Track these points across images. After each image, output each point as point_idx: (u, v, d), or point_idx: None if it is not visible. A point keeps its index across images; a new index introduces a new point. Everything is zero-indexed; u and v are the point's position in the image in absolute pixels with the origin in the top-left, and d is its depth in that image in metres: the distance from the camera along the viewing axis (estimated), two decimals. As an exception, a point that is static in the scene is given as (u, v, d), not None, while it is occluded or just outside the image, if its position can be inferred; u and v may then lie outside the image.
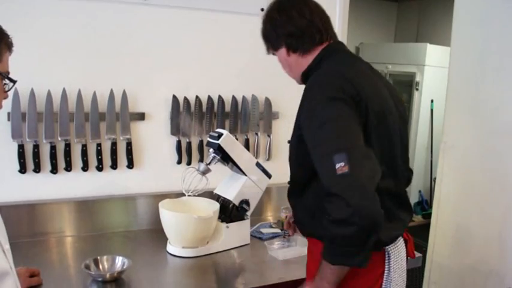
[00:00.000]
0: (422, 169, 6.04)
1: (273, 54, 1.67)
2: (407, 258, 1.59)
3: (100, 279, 1.72)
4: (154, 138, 2.29)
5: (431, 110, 5.84)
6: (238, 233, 2.09)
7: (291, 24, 1.54)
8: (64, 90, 2.04)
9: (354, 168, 1.26)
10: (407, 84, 6.00)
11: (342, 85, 1.37)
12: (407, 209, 1.59)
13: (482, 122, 2.98)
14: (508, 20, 2.83)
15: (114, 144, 2.17)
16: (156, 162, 2.31)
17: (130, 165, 2.22)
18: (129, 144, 2.20)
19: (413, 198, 6.11)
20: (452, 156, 3.22)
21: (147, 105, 2.24)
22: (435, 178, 5.49)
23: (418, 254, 2.12)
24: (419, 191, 6.08)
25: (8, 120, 1.97)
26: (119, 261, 1.80)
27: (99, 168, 2.16)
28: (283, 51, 1.59)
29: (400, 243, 1.53)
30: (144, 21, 2.19)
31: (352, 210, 1.24)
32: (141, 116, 2.23)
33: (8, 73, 1.13)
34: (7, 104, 1.93)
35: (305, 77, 1.58)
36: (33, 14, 1.99)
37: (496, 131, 2.90)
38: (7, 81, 1.13)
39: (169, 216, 1.93)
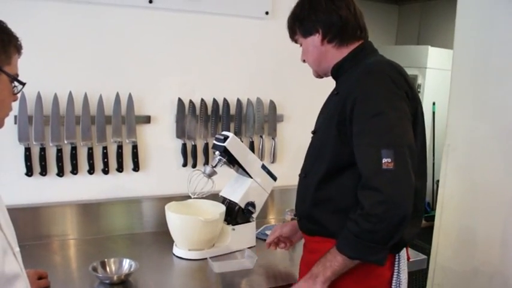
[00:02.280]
0: (425, 171, 6.04)
1: (296, 41, 1.62)
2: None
3: (107, 281, 1.72)
4: (160, 141, 2.29)
5: (433, 113, 5.85)
6: (244, 235, 2.09)
7: (337, 13, 1.50)
8: (70, 94, 2.05)
9: (399, 166, 1.28)
10: (409, 87, 6.00)
11: (399, 80, 1.39)
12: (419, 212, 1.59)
13: (486, 124, 2.99)
14: (510, 22, 2.84)
15: (120, 147, 2.18)
16: (162, 165, 2.31)
17: (136, 168, 2.23)
18: (134, 147, 2.21)
19: (415, 201, 6.10)
20: (456, 158, 3.22)
21: (153, 109, 2.25)
22: (437, 181, 5.49)
23: (422, 256, 2.13)
24: (422, 194, 6.07)
25: (15, 123, 1.98)
26: (126, 264, 1.80)
27: (105, 171, 2.17)
28: (316, 38, 1.53)
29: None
30: (149, 25, 2.20)
31: (388, 206, 1.27)
32: (147, 119, 2.24)
33: (17, 75, 1.14)
34: (14, 107, 1.93)
35: (336, 70, 1.56)
36: (39, 18, 2.00)
37: (499, 133, 2.90)
38: (16, 83, 1.14)
39: (175, 219, 1.94)
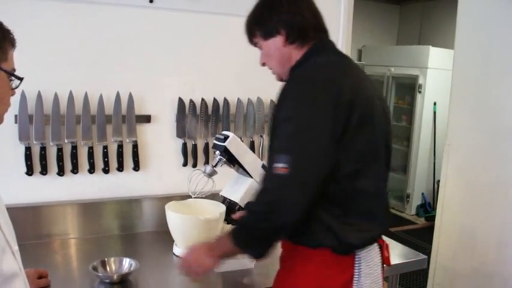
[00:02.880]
0: (426, 171, 6.06)
1: (255, 45, 1.58)
2: (383, 265, 1.54)
3: (107, 280, 1.72)
4: (160, 141, 2.29)
5: (434, 113, 5.86)
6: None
7: (300, 14, 1.48)
8: (71, 93, 2.05)
9: (294, 172, 1.29)
10: (410, 87, 6.02)
11: (325, 84, 1.36)
12: (387, 213, 1.55)
13: (486, 124, 3.00)
14: (511, 22, 2.84)
15: (120, 147, 2.18)
16: (162, 164, 2.32)
17: (136, 167, 2.23)
18: (135, 147, 2.21)
19: (416, 201, 6.13)
20: (456, 158, 3.23)
21: (153, 108, 2.25)
22: (438, 181, 5.49)
23: (422, 256, 2.12)
24: (422, 194, 6.09)
25: (16, 122, 1.98)
26: (126, 263, 1.81)
27: (106, 170, 2.17)
28: (278, 40, 1.49)
29: (374, 248, 1.48)
30: (149, 24, 2.20)
31: (271, 209, 1.32)
32: (147, 119, 2.24)
33: (14, 70, 1.14)
34: (14, 106, 1.95)
35: (292, 72, 1.53)
36: (40, 17, 2.00)
37: (500, 133, 2.91)
38: (14, 78, 1.13)
39: (175, 218, 1.94)
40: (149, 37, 2.21)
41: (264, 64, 1.60)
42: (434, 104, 5.84)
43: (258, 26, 1.53)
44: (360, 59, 6.68)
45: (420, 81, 5.83)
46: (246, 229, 1.42)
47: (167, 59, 2.24)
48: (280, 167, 1.29)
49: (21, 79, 1.14)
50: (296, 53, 1.51)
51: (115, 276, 1.73)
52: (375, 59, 6.52)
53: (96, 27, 2.10)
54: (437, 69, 5.74)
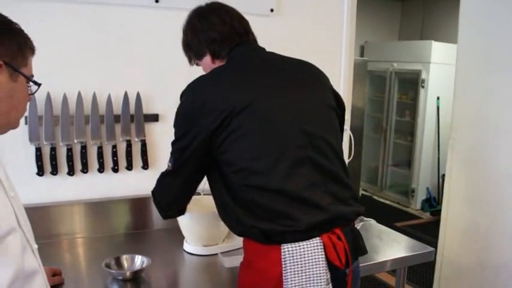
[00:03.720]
0: (430, 166, 6.07)
1: (197, 64, 1.72)
2: (333, 265, 1.44)
3: (120, 277, 1.75)
4: (168, 139, 2.28)
5: (438, 107, 5.87)
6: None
7: (214, 30, 1.59)
8: (79, 94, 2.07)
9: (170, 169, 1.60)
10: (413, 82, 6.03)
11: (197, 98, 1.49)
12: (309, 209, 1.44)
13: (490, 118, 3.01)
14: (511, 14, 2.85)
15: (129, 146, 2.20)
16: (171, 162, 2.33)
17: (145, 166, 2.25)
18: (143, 146, 2.24)
19: (421, 195, 6.14)
20: (461, 152, 3.24)
21: (161, 107, 2.27)
22: (443, 175, 5.52)
23: (430, 248, 2.14)
24: (427, 188, 6.11)
25: (26, 123, 2.01)
26: (139, 260, 1.83)
27: (115, 169, 2.20)
28: (207, 59, 1.63)
29: (310, 244, 1.41)
30: (156, 24, 2.22)
31: (153, 193, 1.72)
32: (155, 118, 2.26)
33: (33, 76, 1.17)
34: (24, 107, 1.97)
35: None
36: (47, 19, 2.02)
37: (504, 126, 2.92)
38: (31, 84, 1.16)
39: (185, 216, 1.96)
40: (156, 36, 2.22)
41: None
42: (438, 98, 5.85)
43: (189, 51, 1.69)
44: (362, 55, 6.69)
45: (423, 76, 5.84)
46: None
47: (174, 57, 2.24)
48: (169, 165, 1.60)
49: (39, 85, 1.17)
50: (222, 64, 1.62)
51: (128, 273, 1.75)
52: (378, 54, 6.53)
53: (103, 28, 2.12)
54: (440, 63, 5.75)
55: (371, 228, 2.39)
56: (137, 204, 2.26)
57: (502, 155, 2.94)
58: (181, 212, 1.79)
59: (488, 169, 3.03)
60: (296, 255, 1.40)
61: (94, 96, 2.10)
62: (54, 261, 1.87)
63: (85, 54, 2.10)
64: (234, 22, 1.61)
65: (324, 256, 1.42)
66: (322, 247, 1.42)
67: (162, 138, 2.30)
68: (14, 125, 1.15)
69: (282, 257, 1.40)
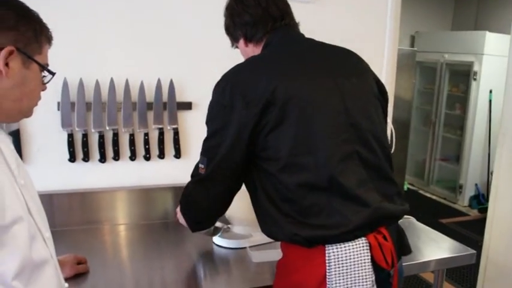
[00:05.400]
0: (480, 161, 5.85)
1: (236, 47, 1.65)
2: (378, 266, 1.36)
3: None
4: (202, 128, 2.24)
5: (490, 101, 5.63)
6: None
7: (247, 13, 1.52)
8: (112, 80, 2.05)
9: (206, 172, 1.43)
10: (465, 74, 5.80)
11: (226, 89, 1.38)
12: (359, 207, 1.35)
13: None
14: None
15: (161, 134, 2.18)
16: (203, 152, 2.30)
17: (177, 154, 2.22)
18: (176, 134, 2.20)
19: (469, 192, 5.93)
20: (510, 148, 3.07)
21: (194, 95, 2.23)
22: (492, 171, 5.31)
23: (471, 251, 2.02)
24: (476, 185, 5.89)
25: (58, 109, 2.00)
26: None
27: (147, 157, 2.17)
28: (241, 42, 1.58)
29: (354, 245, 1.33)
30: (190, 8, 2.17)
31: (186, 204, 1.57)
32: (188, 106, 2.22)
33: (47, 65, 1.14)
34: (57, 94, 1.97)
35: None
36: (79, 6, 2.00)
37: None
38: (46, 73, 1.13)
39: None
40: (190, 22, 2.18)
41: None
42: (490, 91, 5.60)
43: (228, 34, 1.64)
44: (412, 45, 6.48)
45: (475, 68, 5.60)
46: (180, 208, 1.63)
47: (208, 45, 2.21)
48: (201, 167, 1.45)
49: (53, 74, 1.14)
50: (256, 50, 1.56)
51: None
52: (429, 45, 6.30)
53: (136, 13, 2.09)
54: (493, 55, 5.50)
55: (410, 227, 2.29)
56: (171, 193, 2.23)
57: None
58: (214, 223, 1.68)
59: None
60: (341, 257, 1.32)
61: (127, 83, 2.08)
62: (84, 248, 1.88)
63: (118, 40, 2.08)
64: (270, 5, 1.52)
65: (369, 257, 1.34)
66: (368, 248, 1.34)
67: (195, 127, 2.26)
68: (27, 114, 1.13)
69: (327, 258, 1.32)
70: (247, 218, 1.94)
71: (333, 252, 1.32)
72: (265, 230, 1.46)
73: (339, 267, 1.32)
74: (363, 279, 1.33)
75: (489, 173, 5.69)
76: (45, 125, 2.01)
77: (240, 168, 1.41)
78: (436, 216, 5.48)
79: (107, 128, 2.08)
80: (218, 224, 1.98)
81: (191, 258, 1.86)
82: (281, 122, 1.32)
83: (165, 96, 2.16)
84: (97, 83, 2.03)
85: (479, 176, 5.89)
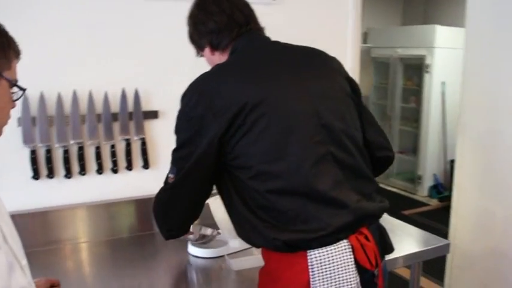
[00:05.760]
0: (436, 152, 5.99)
1: (202, 56, 1.62)
2: (362, 267, 1.35)
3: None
4: (169, 136, 2.18)
5: (443, 92, 5.76)
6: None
7: (211, 20, 1.49)
8: (75, 93, 1.97)
9: (174, 181, 1.42)
10: (418, 67, 5.93)
11: (202, 96, 1.35)
12: (336, 209, 1.33)
13: (502, 102, 2.91)
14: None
15: (128, 145, 2.11)
16: (172, 161, 2.24)
17: (146, 165, 2.16)
18: (143, 144, 2.14)
19: (428, 182, 6.07)
20: (471, 138, 3.15)
21: (161, 103, 2.17)
22: (451, 160, 5.45)
23: (445, 241, 2.05)
24: (434, 175, 6.03)
25: (19, 125, 1.91)
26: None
27: (114, 170, 2.10)
28: (207, 51, 1.55)
29: (337, 248, 1.31)
30: (154, 17, 2.12)
31: (155, 212, 1.55)
32: (155, 114, 2.16)
33: (17, 81, 1.07)
34: (17, 109, 1.86)
35: None
36: (38, 16, 1.92)
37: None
38: (16, 89, 1.06)
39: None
40: (153, 30, 2.12)
41: None
42: (443, 83, 5.74)
43: (192, 43, 1.61)
44: (365, 42, 6.57)
45: (428, 61, 5.73)
46: None
47: (173, 52, 2.16)
48: (171, 177, 1.43)
49: (24, 90, 1.07)
50: (223, 58, 1.52)
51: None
52: (381, 41, 6.41)
53: (97, 23, 2.02)
54: (444, 48, 5.64)
55: (382, 222, 2.30)
56: (139, 206, 2.17)
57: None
58: (186, 230, 1.63)
59: (501, 154, 2.93)
60: (324, 261, 1.30)
61: (90, 95, 2.00)
62: (54, 269, 1.80)
63: (79, 51, 2.00)
64: (235, 11, 1.49)
65: (352, 259, 1.33)
66: (350, 250, 1.33)
67: (162, 136, 2.20)
68: None
69: (309, 264, 1.30)
70: (222, 225, 1.92)
71: (315, 256, 1.30)
72: (243, 235, 1.43)
73: (322, 272, 1.30)
74: (347, 282, 1.32)
75: (446, 163, 5.84)
76: (5, 143, 1.90)
77: (209, 177, 1.41)
78: (398, 208, 5.58)
79: (72, 142, 2.00)
80: (208, 231, 1.97)
81: (168, 272, 1.81)
82: (250, 129, 1.30)
83: (130, 106, 2.09)
84: (59, 96, 1.95)
85: (437, 166, 6.03)
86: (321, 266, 1.30)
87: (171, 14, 2.14)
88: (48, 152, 1.97)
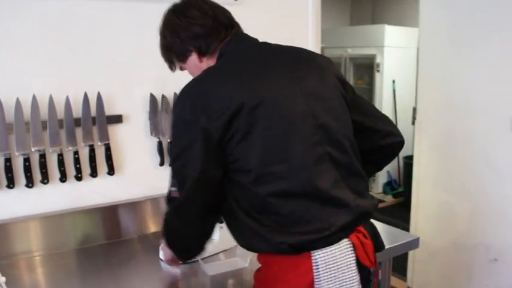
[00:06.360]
0: (389, 149, 6.09)
1: (181, 68, 1.55)
2: (363, 265, 1.37)
3: None
4: (134, 141, 2.16)
5: (394, 90, 5.89)
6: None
7: (195, 25, 1.42)
8: (34, 97, 1.88)
9: (181, 195, 1.35)
10: (368, 67, 6.04)
11: (197, 100, 1.30)
12: (336, 210, 1.34)
13: (456, 99, 3.00)
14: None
15: (92, 151, 2.04)
16: (138, 165, 2.18)
17: (111, 171, 2.09)
18: (108, 150, 2.07)
19: (382, 179, 6.18)
20: (428, 135, 3.23)
21: (124, 107, 2.11)
22: (404, 157, 5.57)
23: (415, 236, 2.08)
24: (388, 171, 6.14)
25: (-25, 134, 1.81)
26: None
27: (78, 177, 2.02)
28: (193, 58, 1.47)
29: (339, 248, 1.32)
30: (115, 17, 2.06)
31: (170, 234, 1.48)
32: (119, 119, 2.10)
33: None
34: (-27, 116, 1.78)
35: None
36: (-6, 17, 1.83)
37: (470, 107, 2.91)
38: None
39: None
40: (114, 31, 2.06)
41: None
42: (393, 82, 5.87)
43: (171, 53, 1.51)
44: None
45: (378, 60, 5.84)
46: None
47: (135, 53, 2.11)
48: (173, 191, 1.41)
49: None
50: (211, 63, 1.46)
51: None
52: (332, 41, 6.49)
53: (57, 25, 1.94)
54: (393, 47, 5.77)
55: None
56: (105, 213, 2.10)
57: (467, 135, 2.94)
58: (204, 246, 1.49)
59: (459, 150, 3.02)
60: (328, 261, 1.30)
61: (50, 99, 1.92)
62: (18, 284, 1.71)
63: (38, 54, 1.92)
64: (217, 13, 1.45)
65: (354, 257, 1.34)
66: (352, 248, 1.34)
67: (127, 141, 2.15)
68: None
69: (314, 264, 1.29)
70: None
71: (320, 257, 1.30)
72: (244, 243, 1.40)
73: (327, 272, 1.30)
74: (350, 280, 1.33)
75: (398, 160, 5.96)
76: (-39, 153, 1.81)
77: (216, 183, 1.34)
78: (354, 205, 5.65)
79: (33, 149, 1.91)
80: None
81: (139, 280, 1.75)
82: (249, 131, 1.27)
83: (93, 111, 2.02)
84: (17, 102, 1.85)
85: (390, 163, 6.14)
86: (326, 265, 1.30)
87: (133, 16, 2.09)
88: (8, 161, 1.87)
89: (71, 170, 2.02)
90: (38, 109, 1.90)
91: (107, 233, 2.10)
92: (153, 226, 2.20)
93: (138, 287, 1.72)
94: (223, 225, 1.91)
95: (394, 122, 1.68)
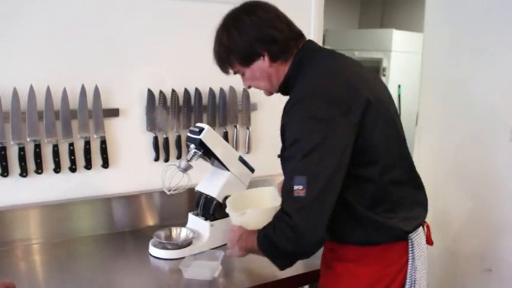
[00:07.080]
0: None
1: (235, 73, 1.50)
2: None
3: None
4: (130, 135, 2.17)
5: (399, 95, 5.87)
6: (223, 231, 1.98)
7: (271, 28, 1.37)
8: (31, 88, 1.90)
9: (310, 193, 1.25)
10: (374, 70, 6.00)
11: (329, 97, 1.30)
12: (423, 193, 1.57)
13: (457, 106, 2.98)
14: (479, 2, 2.82)
15: (87, 143, 2.05)
16: (133, 160, 2.19)
17: (105, 164, 2.10)
18: (103, 143, 2.08)
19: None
20: (429, 140, 3.21)
21: (121, 101, 2.12)
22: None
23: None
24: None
25: (-28, 122, 1.83)
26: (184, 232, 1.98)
27: (73, 169, 2.04)
28: (262, 62, 1.41)
29: (421, 230, 1.50)
30: (116, 12, 2.06)
31: (296, 234, 1.27)
32: (115, 112, 2.11)
33: None
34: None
35: (284, 87, 1.47)
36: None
37: (471, 114, 2.90)
38: None
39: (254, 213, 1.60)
40: (115, 25, 2.07)
41: (249, 87, 1.53)
42: (399, 86, 5.85)
43: (235, 55, 1.43)
44: (323, 44, 6.63)
45: (384, 64, 5.81)
46: (270, 242, 1.36)
47: (135, 48, 2.12)
48: (298, 189, 1.26)
49: None
50: (283, 68, 1.43)
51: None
52: (339, 43, 6.47)
53: (57, 16, 1.95)
54: (400, 52, 5.74)
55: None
56: (98, 206, 2.11)
57: (469, 143, 2.92)
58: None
59: (457, 157, 3.01)
60: (421, 242, 1.47)
61: (48, 90, 1.93)
62: (9, 272, 1.73)
63: (37, 45, 1.93)
64: (289, 20, 1.44)
65: (425, 238, 1.53)
66: (425, 229, 1.54)
67: (123, 135, 2.16)
68: None
69: (409, 246, 1.44)
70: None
71: (415, 239, 1.45)
72: (361, 238, 1.44)
73: (418, 251, 1.45)
74: (426, 258, 1.50)
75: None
76: (-43, 139, 1.83)
77: (341, 180, 1.32)
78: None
79: (28, 139, 1.92)
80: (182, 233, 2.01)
81: (127, 273, 1.77)
82: (376, 124, 1.35)
83: (90, 103, 2.03)
84: (15, 91, 1.87)
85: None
86: (420, 246, 1.46)
87: (135, 10, 2.10)
88: (3, 149, 1.89)
89: (65, 161, 2.03)
90: (35, 99, 1.91)
91: (100, 225, 2.11)
92: (146, 220, 2.21)
93: (128, 280, 1.73)
94: (215, 223, 1.96)
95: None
